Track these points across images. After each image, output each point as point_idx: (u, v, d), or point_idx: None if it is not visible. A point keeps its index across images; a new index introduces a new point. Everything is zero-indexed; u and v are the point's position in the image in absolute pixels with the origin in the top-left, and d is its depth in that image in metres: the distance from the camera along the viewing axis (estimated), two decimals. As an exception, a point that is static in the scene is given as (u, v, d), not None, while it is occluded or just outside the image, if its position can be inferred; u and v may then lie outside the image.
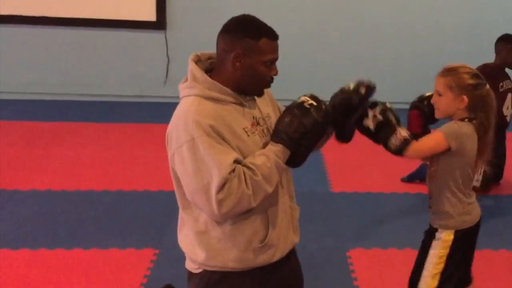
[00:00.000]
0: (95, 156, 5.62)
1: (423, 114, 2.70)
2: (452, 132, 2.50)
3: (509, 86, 5.01)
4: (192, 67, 2.09)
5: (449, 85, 2.53)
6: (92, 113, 7.14)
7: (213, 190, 1.91)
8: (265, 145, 2.07)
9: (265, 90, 2.18)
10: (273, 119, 2.17)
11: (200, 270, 2.17)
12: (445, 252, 2.64)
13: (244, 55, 2.01)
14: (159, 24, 7.45)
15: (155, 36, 7.52)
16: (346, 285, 3.59)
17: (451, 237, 2.63)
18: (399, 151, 2.47)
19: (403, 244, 4.04)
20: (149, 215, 4.42)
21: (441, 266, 2.65)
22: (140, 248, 3.91)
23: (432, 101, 2.62)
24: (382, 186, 5.11)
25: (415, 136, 2.58)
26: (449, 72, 2.56)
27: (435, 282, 2.66)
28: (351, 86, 2.35)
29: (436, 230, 2.67)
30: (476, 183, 4.98)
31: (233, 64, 2.03)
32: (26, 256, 3.79)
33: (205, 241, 2.10)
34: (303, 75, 7.21)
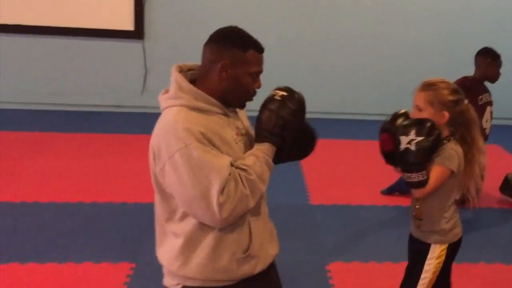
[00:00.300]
0: (70, 168, 5.53)
1: (393, 137, 2.65)
2: (453, 161, 2.51)
3: (488, 99, 5.04)
4: (177, 77, 2.07)
5: (429, 101, 2.53)
6: (68, 124, 7.06)
7: (214, 194, 1.90)
8: None
9: None
10: (253, 131, 2.19)
11: (179, 287, 2.12)
12: (439, 266, 2.66)
13: (232, 65, 2.02)
14: (137, 33, 7.42)
15: (133, 46, 7.47)
16: (326, 299, 3.54)
17: (445, 251, 2.65)
18: (410, 187, 2.53)
19: (383, 258, 4.03)
20: (126, 228, 4.34)
21: (433, 281, 2.67)
22: (116, 262, 3.83)
23: (411, 116, 2.61)
24: (362, 198, 5.09)
25: (390, 154, 2.63)
26: (430, 87, 2.57)
27: None
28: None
29: (428, 245, 2.67)
30: (456, 196, 5.04)
31: (219, 74, 2.03)
32: (-3, 271, 3.69)
33: (188, 253, 2.07)
34: (282, 84, 7.19)
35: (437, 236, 2.64)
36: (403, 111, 2.67)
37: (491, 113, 5.07)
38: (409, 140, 2.43)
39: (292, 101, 2.11)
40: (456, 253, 2.75)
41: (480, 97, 4.96)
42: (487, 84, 5.10)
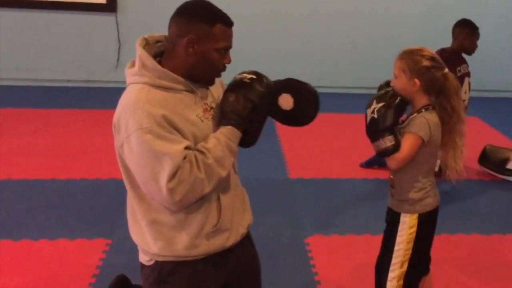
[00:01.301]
0: (43, 144, 5.41)
1: None
2: (423, 129, 2.48)
3: (466, 71, 5.02)
4: (140, 53, 1.99)
5: (402, 68, 2.52)
6: (40, 99, 6.92)
7: (164, 179, 1.86)
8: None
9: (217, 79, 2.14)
10: None
11: (152, 262, 2.10)
12: (412, 236, 2.63)
13: (198, 40, 1.95)
14: (110, 6, 7.25)
15: (106, 19, 7.31)
16: (305, 272, 3.53)
17: (416, 220, 2.62)
18: (381, 155, 2.51)
19: (362, 230, 4.02)
20: (100, 204, 4.27)
21: (409, 252, 2.64)
22: (92, 239, 3.77)
23: (391, 84, 2.60)
24: (340, 172, 5.07)
25: None
26: (405, 54, 2.55)
27: (404, 269, 2.65)
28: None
29: (399, 215, 2.65)
30: (435, 168, 5.04)
31: (185, 49, 1.96)
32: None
33: (157, 230, 2.04)
34: (258, 60, 7.13)
35: (406, 205, 2.62)
36: (386, 81, 2.66)
37: (469, 84, 5.05)
38: (372, 110, 2.45)
39: (261, 85, 2.06)
40: (432, 225, 2.72)
41: (458, 68, 4.94)
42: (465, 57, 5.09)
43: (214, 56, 1.98)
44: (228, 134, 1.99)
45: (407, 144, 2.48)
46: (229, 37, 2.01)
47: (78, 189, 4.55)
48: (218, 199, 2.07)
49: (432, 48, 5.05)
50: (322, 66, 7.70)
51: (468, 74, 5.02)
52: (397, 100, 2.45)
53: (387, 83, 2.66)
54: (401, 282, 2.66)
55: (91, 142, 5.48)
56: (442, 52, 4.86)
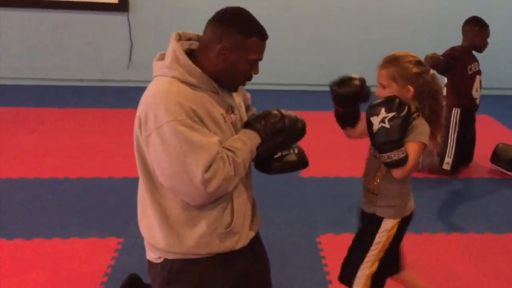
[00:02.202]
0: (56, 143, 5.44)
1: (335, 96, 2.71)
2: (425, 134, 2.45)
3: (477, 69, 5.01)
4: (175, 47, 2.02)
5: (392, 77, 2.46)
6: (53, 99, 6.96)
7: (200, 170, 1.87)
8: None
9: None
10: (243, 109, 2.21)
11: (161, 260, 2.11)
12: (391, 239, 2.62)
13: (231, 50, 1.97)
14: (121, 6, 7.26)
15: (118, 19, 7.34)
16: (317, 271, 3.52)
17: (396, 225, 2.61)
18: (392, 166, 2.42)
19: (374, 229, 3.99)
20: (113, 203, 4.29)
21: (383, 252, 2.64)
22: (104, 237, 3.78)
23: (376, 93, 2.54)
24: (352, 170, 5.04)
25: (338, 112, 2.75)
26: (391, 62, 2.48)
27: (374, 268, 2.65)
28: (357, 79, 2.52)
29: (381, 219, 2.62)
30: (447, 166, 5.04)
31: (217, 56, 1.98)
32: (-17, 247, 3.63)
33: (169, 226, 2.05)
34: (268, 58, 7.13)
35: (392, 211, 2.60)
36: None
37: (480, 82, 5.04)
38: (381, 119, 2.31)
39: (301, 123, 2.20)
40: (407, 227, 2.70)
41: (470, 66, 4.93)
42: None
43: (244, 66, 2.01)
44: (252, 137, 2.05)
45: (413, 152, 2.41)
46: (262, 50, 2.04)
47: (90, 188, 4.57)
48: (232, 201, 2.09)
49: (442, 47, 5.08)
50: (331, 65, 7.68)
51: (479, 72, 5.02)
52: (406, 110, 2.34)
53: (341, 82, 2.64)
54: (369, 282, 2.66)
55: (103, 141, 5.50)
56: (452, 51, 4.86)
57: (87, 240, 3.74)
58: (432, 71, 2.52)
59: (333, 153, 5.49)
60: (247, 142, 2.02)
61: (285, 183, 4.79)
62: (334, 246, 3.80)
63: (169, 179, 1.95)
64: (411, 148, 2.41)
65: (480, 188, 4.94)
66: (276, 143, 2.14)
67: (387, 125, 2.29)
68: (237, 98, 2.20)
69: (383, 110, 2.31)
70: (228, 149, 1.96)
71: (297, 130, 2.18)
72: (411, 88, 2.44)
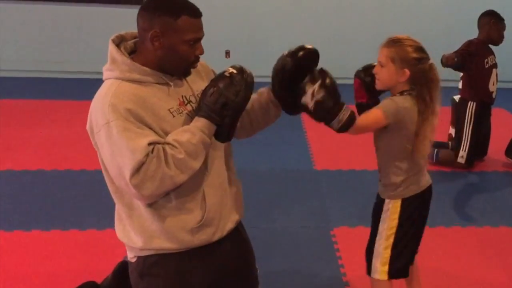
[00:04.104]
0: (73, 135, 5.49)
1: (364, 84, 2.65)
2: (390, 109, 2.47)
3: (494, 62, 4.98)
4: (110, 48, 2.01)
5: (391, 57, 2.49)
6: (70, 91, 7.02)
7: (127, 175, 1.83)
8: None
9: (202, 65, 2.13)
10: None
11: (136, 258, 2.11)
12: (394, 223, 2.62)
13: (163, 34, 1.92)
14: (137, -1, 7.29)
15: (134, 12, 7.33)
16: (331, 264, 3.54)
17: (398, 207, 2.62)
18: (346, 128, 2.32)
19: (388, 222, 4.00)
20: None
21: (392, 238, 2.64)
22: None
23: (374, 71, 2.57)
24: (366, 163, 5.05)
25: (361, 105, 2.62)
26: (393, 43, 2.51)
27: (387, 255, 2.65)
28: (286, 51, 2.21)
29: (383, 201, 2.65)
30: (461, 160, 5.03)
31: (152, 43, 1.94)
32: (1, 238, 3.69)
33: (139, 224, 2.03)
34: (280, 52, 7.14)
35: (389, 191, 2.63)
36: (375, 64, 2.60)
37: (497, 75, 5.02)
38: (311, 95, 2.17)
39: (239, 81, 1.98)
40: (417, 211, 2.67)
41: (486, 60, 4.91)
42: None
43: (182, 48, 1.94)
44: (201, 126, 1.95)
45: (368, 115, 2.47)
46: (197, 28, 1.97)
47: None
48: (203, 194, 2.05)
49: (455, 41, 5.06)
50: (344, 59, 7.67)
51: (495, 65, 5.00)
52: (326, 74, 2.21)
53: (366, 69, 2.63)
54: (386, 268, 2.66)
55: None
56: (469, 44, 4.84)
57: (104, 232, 3.78)
58: (431, 61, 2.52)
59: (347, 146, 5.48)
60: (195, 133, 1.93)
61: (299, 175, 4.81)
62: (349, 239, 3.82)
63: (115, 181, 1.95)
64: (371, 111, 2.48)
65: (494, 181, 4.94)
66: (232, 113, 1.99)
67: (319, 97, 2.17)
68: (199, 85, 2.09)
69: (306, 87, 2.18)
70: (171, 145, 1.89)
71: (241, 91, 1.98)
72: (407, 72, 2.46)
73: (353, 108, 2.48)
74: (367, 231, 3.50)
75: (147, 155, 1.83)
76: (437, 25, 7.53)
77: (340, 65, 7.69)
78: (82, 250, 3.59)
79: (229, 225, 2.16)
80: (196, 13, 1.96)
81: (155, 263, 2.07)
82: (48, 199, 4.26)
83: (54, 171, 4.72)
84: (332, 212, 4.23)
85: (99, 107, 1.90)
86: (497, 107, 5.32)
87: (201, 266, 2.10)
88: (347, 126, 2.30)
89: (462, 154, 4.99)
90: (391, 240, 2.64)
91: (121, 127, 1.84)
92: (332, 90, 2.20)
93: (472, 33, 5.05)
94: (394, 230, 2.63)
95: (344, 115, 2.26)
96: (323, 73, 2.20)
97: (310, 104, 2.19)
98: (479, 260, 3.63)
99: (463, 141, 4.96)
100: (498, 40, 5.01)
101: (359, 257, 3.61)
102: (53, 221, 3.92)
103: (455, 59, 4.50)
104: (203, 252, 2.10)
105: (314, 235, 3.89)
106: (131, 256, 2.13)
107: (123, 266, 2.62)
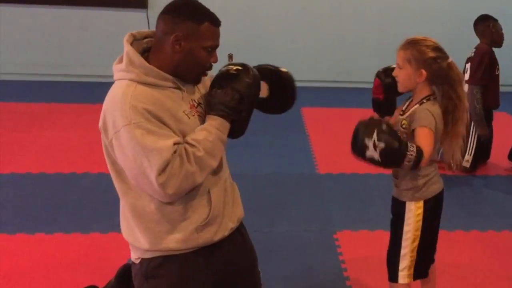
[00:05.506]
0: (77, 138, 5.51)
1: (383, 84, 2.68)
2: (431, 122, 2.46)
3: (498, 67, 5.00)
4: (128, 49, 2.02)
5: (408, 59, 2.49)
6: (73, 94, 7.03)
7: (153, 174, 1.86)
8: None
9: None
10: None
11: (140, 259, 2.12)
12: (419, 224, 2.62)
13: (185, 38, 1.96)
14: (140, 2, 7.32)
15: (137, 15, 7.39)
16: (334, 268, 3.54)
17: (422, 208, 2.62)
18: (414, 168, 2.38)
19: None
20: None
21: (418, 240, 2.64)
22: (124, 232, 3.82)
23: (393, 74, 2.58)
24: (369, 167, 5.00)
25: (377, 100, 2.66)
26: (410, 45, 2.52)
27: (414, 257, 2.65)
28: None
29: (404, 204, 2.64)
30: (466, 164, 5.03)
31: (172, 47, 1.97)
32: (4, 242, 3.70)
33: (145, 225, 2.05)
34: (285, 56, 7.15)
35: (411, 193, 2.61)
36: (394, 66, 2.62)
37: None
38: (373, 147, 2.26)
39: (248, 75, 2.07)
40: (437, 211, 2.70)
41: (497, 66, 4.92)
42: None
43: (201, 54, 1.99)
44: (217, 125, 2.01)
45: (424, 139, 2.42)
46: (216, 36, 2.02)
47: (110, 183, 4.59)
48: (208, 192, 2.07)
49: (459, 44, 5.05)
50: (352, 61, 7.70)
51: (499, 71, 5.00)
52: (384, 124, 2.30)
53: (385, 71, 2.65)
54: (412, 271, 2.67)
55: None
56: (484, 55, 4.79)
57: (108, 235, 3.79)
58: (450, 59, 2.52)
59: (350, 149, 5.48)
60: (211, 131, 1.98)
61: (302, 179, 4.81)
62: (351, 243, 3.82)
63: (135, 181, 1.96)
64: (419, 137, 2.43)
65: (497, 185, 4.93)
66: (247, 107, 2.08)
67: (381, 145, 2.25)
68: (202, 90, 2.16)
69: (366, 139, 2.28)
70: (190, 144, 1.94)
71: (253, 84, 2.07)
72: (424, 72, 2.47)
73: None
74: (370, 234, 3.50)
75: (172, 154, 1.88)
76: (442, 29, 7.53)
77: (346, 69, 7.79)
78: (85, 254, 3.59)
79: (231, 224, 2.19)
80: (217, 22, 2.02)
81: (160, 265, 2.09)
82: (51, 202, 4.26)
83: (57, 174, 4.73)
84: (335, 215, 4.23)
85: (118, 107, 1.91)
86: (499, 111, 5.32)
87: (205, 266, 2.12)
88: (417, 163, 2.32)
89: (468, 158, 4.99)
90: (417, 242, 2.64)
91: (145, 128, 1.87)
92: (391, 135, 2.25)
93: (475, 37, 5.05)
94: (419, 232, 2.63)
95: (412, 153, 2.28)
96: (378, 121, 2.27)
97: (377, 156, 2.25)
98: (482, 264, 3.63)
99: (469, 145, 4.97)
100: (500, 41, 5.02)
101: (362, 260, 3.63)
102: (56, 224, 3.92)
103: (479, 111, 4.66)
104: (207, 253, 2.12)
105: (317, 238, 3.89)
106: (135, 257, 2.14)
107: (126, 269, 2.63)
